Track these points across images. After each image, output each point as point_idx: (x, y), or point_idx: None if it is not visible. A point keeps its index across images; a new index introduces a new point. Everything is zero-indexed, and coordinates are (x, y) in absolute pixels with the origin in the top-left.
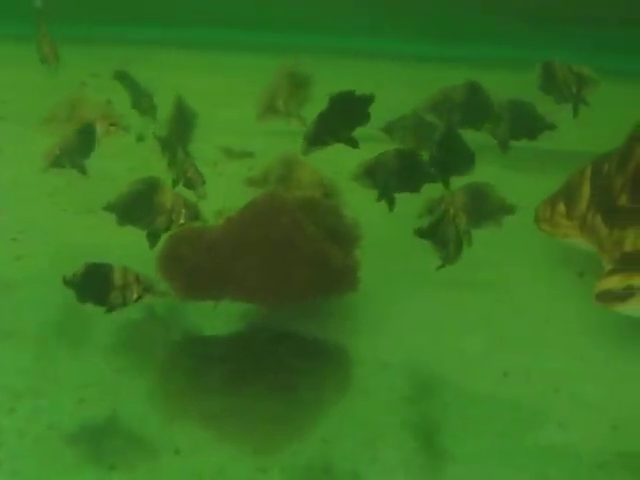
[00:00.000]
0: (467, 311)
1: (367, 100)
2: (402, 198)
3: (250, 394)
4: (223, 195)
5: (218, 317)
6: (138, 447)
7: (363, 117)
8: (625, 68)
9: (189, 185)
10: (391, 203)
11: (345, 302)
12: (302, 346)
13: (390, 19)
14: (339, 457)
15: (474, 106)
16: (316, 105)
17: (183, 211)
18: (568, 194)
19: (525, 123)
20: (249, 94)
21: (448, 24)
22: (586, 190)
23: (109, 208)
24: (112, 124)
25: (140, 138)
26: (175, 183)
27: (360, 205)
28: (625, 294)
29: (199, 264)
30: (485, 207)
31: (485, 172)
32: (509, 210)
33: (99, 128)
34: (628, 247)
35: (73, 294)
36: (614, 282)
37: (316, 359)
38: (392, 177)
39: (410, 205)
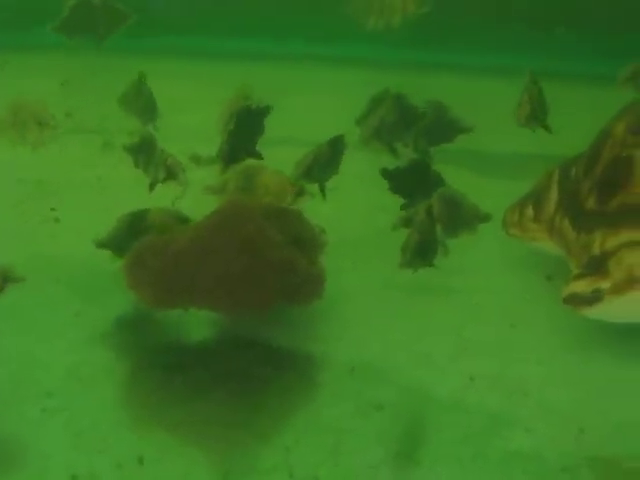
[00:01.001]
0: (434, 316)
1: (264, 112)
2: (371, 205)
3: (215, 401)
4: (191, 202)
5: (185, 325)
6: (101, 456)
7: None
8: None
9: (170, 175)
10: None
11: (311, 309)
12: (268, 353)
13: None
14: (302, 463)
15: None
16: None
17: None
18: (536, 198)
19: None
20: (213, 101)
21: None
22: (554, 194)
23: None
24: (41, 123)
25: (106, 145)
26: (153, 184)
27: (328, 208)
28: (592, 297)
29: (165, 273)
30: (460, 216)
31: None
32: (484, 218)
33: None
34: (595, 250)
35: None
36: (581, 286)
37: (281, 366)
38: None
39: (381, 210)
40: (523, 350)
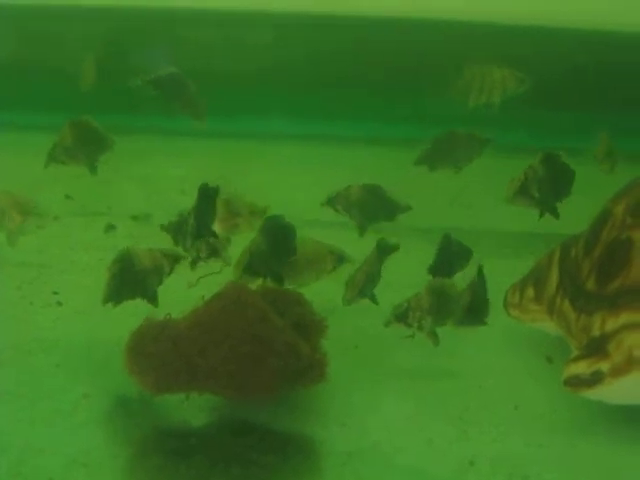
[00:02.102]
0: (435, 400)
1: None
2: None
3: None
4: None
5: (187, 410)
6: None
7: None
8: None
9: (213, 252)
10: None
11: (313, 393)
12: (269, 439)
13: None
14: None
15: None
16: None
17: None
18: (537, 278)
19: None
20: None
21: None
22: (555, 274)
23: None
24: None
25: (109, 228)
26: (194, 262)
27: (328, 294)
28: (592, 379)
29: (166, 359)
30: (450, 306)
31: None
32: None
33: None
34: (595, 332)
35: None
36: (581, 367)
37: (282, 452)
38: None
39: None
40: (525, 432)
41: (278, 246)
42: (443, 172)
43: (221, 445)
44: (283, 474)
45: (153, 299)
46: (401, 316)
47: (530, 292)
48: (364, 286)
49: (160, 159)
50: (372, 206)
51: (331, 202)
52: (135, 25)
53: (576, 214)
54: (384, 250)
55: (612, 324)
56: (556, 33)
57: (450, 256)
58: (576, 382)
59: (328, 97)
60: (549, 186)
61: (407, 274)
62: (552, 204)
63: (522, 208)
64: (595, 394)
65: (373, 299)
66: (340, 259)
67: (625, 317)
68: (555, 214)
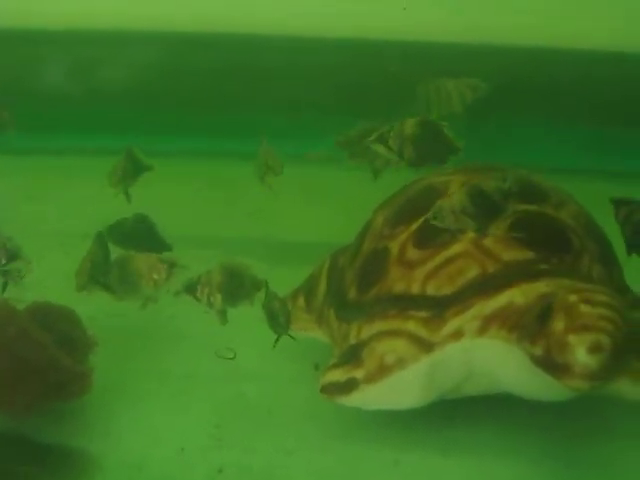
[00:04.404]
0: (192, 408)
1: None
2: None
3: None
4: None
5: None
6: None
7: None
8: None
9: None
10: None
11: (78, 406)
12: (30, 450)
13: None
14: None
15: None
16: None
17: None
18: (308, 288)
19: None
20: None
21: None
22: (323, 283)
23: None
24: None
25: None
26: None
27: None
28: (348, 386)
29: None
30: (241, 285)
31: None
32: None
33: None
34: (352, 340)
35: None
36: (337, 375)
37: (42, 462)
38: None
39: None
40: (275, 439)
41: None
42: None
43: None
44: None
45: None
46: (190, 289)
47: (301, 301)
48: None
49: None
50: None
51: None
52: None
53: None
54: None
55: (367, 332)
56: None
57: None
58: (332, 389)
59: None
60: None
61: None
62: None
63: None
64: (350, 401)
65: None
66: (172, 265)
67: (378, 325)
68: None
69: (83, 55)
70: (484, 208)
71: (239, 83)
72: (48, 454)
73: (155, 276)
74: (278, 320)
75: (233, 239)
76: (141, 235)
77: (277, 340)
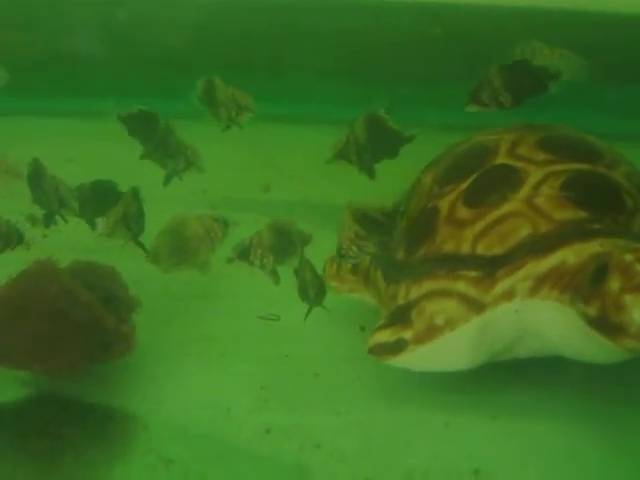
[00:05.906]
0: (238, 370)
1: None
2: None
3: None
4: None
5: None
6: None
7: None
8: None
9: None
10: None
11: (120, 366)
12: (71, 411)
13: None
14: None
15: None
16: None
17: None
18: None
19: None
20: None
21: None
22: None
23: None
24: None
25: None
26: None
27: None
28: (396, 347)
29: None
30: (290, 242)
31: None
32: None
33: None
34: (400, 301)
35: None
36: (385, 335)
37: (82, 423)
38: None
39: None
40: (323, 401)
41: None
42: None
43: (21, 419)
44: (79, 445)
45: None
46: (243, 253)
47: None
48: None
49: None
50: None
51: None
52: None
53: None
54: None
55: (415, 292)
56: None
57: None
58: (380, 350)
59: None
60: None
61: None
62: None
63: None
64: (398, 362)
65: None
66: (226, 223)
67: (427, 285)
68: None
69: (119, 18)
70: (374, 228)
71: (281, 47)
72: (92, 415)
73: (212, 235)
74: (308, 292)
75: (274, 202)
76: None
77: (308, 313)
